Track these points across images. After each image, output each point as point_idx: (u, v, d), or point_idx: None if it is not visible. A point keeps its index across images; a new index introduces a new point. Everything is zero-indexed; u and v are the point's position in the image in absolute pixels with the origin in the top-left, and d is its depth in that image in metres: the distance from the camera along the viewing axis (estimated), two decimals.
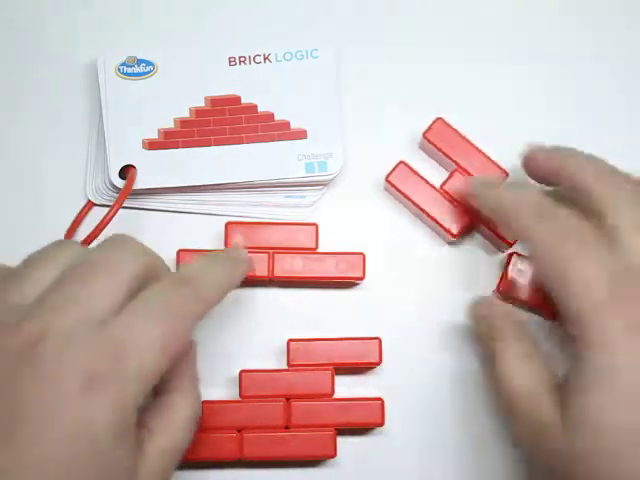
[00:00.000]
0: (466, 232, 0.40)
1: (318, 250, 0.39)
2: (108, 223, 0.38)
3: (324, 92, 0.41)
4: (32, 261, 0.31)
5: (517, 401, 0.33)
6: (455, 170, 0.40)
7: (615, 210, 0.32)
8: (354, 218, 0.41)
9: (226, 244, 0.39)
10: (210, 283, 0.32)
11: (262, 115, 0.41)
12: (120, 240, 0.31)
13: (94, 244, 0.38)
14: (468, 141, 0.40)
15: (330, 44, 0.41)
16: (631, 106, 0.42)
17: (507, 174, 0.40)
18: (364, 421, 0.38)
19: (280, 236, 0.39)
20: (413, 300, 0.40)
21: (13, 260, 0.40)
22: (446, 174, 0.40)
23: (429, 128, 0.40)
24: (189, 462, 0.37)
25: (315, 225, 0.40)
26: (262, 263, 0.39)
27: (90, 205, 0.41)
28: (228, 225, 0.39)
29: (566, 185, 0.34)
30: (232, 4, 0.43)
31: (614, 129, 0.42)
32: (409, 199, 0.39)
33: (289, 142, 0.41)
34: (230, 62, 0.41)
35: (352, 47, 0.42)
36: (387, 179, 0.39)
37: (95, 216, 0.40)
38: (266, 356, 0.40)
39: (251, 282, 0.40)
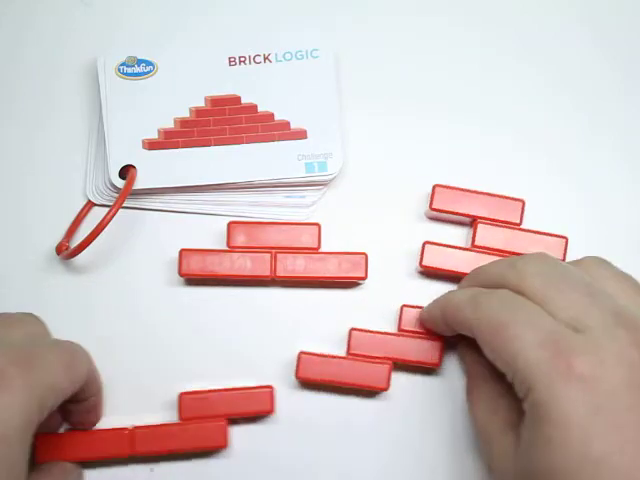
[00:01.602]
0: None
1: (321, 250, 0.39)
2: (108, 223, 0.38)
3: (324, 92, 0.41)
4: None
5: (481, 438, 0.35)
6: (476, 222, 0.39)
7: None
8: (354, 218, 0.41)
9: (228, 243, 0.39)
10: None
11: (262, 115, 0.41)
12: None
13: (93, 246, 0.38)
14: (472, 191, 0.39)
15: (330, 44, 0.41)
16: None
17: (524, 202, 0.39)
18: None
19: (282, 236, 0.39)
20: (415, 300, 0.40)
21: (12, 260, 0.40)
22: (462, 229, 0.41)
23: (433, 199, 0.39)
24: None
25: (318, 225, 0.40)
26: (264, 263, 0.39)
27: (90, 205, 0.41)
28: (231, 225, 0.39)
29: (459, 329, 0.36)
30: (232, 4, 0.43)
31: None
32: (451, 272, 0.39)
33: (289, 142, 0.41)
34: (230, 62, 0.41)
35: (352, 47, 0.42)
36: (421, 264, 0.39)
37: (95, 216, 0.40)
38: (269, 356, 0.40)
39: (253, 282, 0.40)
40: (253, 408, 0.38)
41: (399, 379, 0.39)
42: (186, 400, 0.38)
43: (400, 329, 0.39)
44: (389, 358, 0.38)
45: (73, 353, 0.35)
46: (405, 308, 0.39)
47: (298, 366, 0.38)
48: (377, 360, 0.38)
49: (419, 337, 0.39)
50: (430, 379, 0.40)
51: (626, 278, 0.34)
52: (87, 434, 0.38)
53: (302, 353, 0.38)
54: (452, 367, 0.40)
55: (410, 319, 0.39)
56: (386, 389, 0.38)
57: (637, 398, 0.29)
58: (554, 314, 0.32)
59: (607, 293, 0.33)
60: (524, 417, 0.31)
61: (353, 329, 0.39)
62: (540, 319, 0.31)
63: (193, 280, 0.40)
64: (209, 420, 0.38)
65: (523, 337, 0.31)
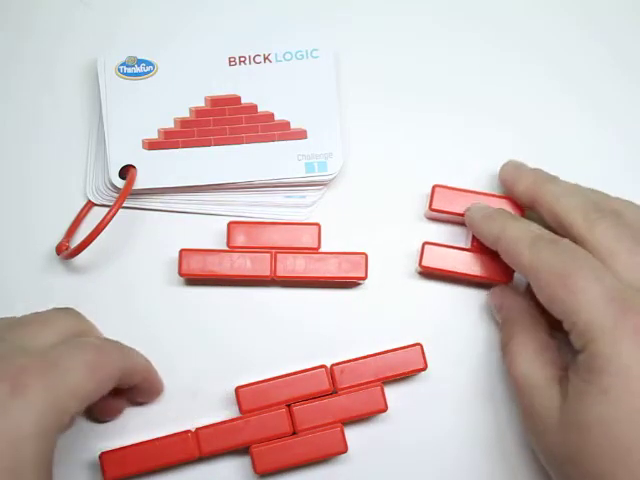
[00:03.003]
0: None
1: (321, 250, 0.39)
2: (108, 223, 0.38)
3: (324, 92, 0.41)
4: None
5: (522, 391, 0.35)
6: None
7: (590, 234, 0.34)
8: (354, 218, 0.41)
9: (228, 243, 0.39)
10: (133, 354, 0.37)
11: (262, 115, 0.41)
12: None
13: (93, 245, 0.38)
14: (472, 192, 0.39)
15: (330, 44, 0.41)
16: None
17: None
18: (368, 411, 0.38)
19: (283, 236, 0.39)
20: (415, 299, 0.40)
21: (12, 260, 0.40)
22: (462, 229, 0.41)
23: (432, 199, 0.39)
24: None
25: (318, 225, 0.40)
26: (264, 263, 0.39)
27: (90, 205, 0.41)
28: (231, 225, 0.40)
29: (545, 214, 0.36)
30: (232, 4, 0.43)
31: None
32: (450, 272, 0.39)
33: (289, 142, 0.41)
34: (230, 62, 0.41)
35: (352, 47, 0.42)
36: (421, 264, 0.39)
37: (95, 216, 0.40)
38: (269, 357, 0.40)
39: (253, 282, 0.40)
40: (311, 390, 0.38)
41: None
42: (244, 393, 0.38)
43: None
44: (379, 379, 0.38)
45: (100, 353, 0.34)
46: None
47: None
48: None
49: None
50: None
51: None
52: (150, 444, 0.37)
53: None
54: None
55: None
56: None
57: None
58: (618, 273, 0.33)
59: None
60: (576, 368, 0.32)
61: (334, 364, 0.38)
62: (605, 275, 0.32)
63: (193, 280, 0.40)
64: (270, 409, 0.38)
65: (589, 290, 0.32)
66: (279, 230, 0.40)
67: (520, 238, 0.35)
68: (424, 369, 0.38)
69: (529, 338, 0.36)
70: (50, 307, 0.38)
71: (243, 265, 0.39)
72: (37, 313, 0.35)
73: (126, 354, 0.36)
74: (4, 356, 0.31)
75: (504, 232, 0.36)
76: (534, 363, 0.35)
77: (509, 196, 0.39)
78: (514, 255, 0.35)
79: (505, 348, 0.37)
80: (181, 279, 0.40)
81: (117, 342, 0.36)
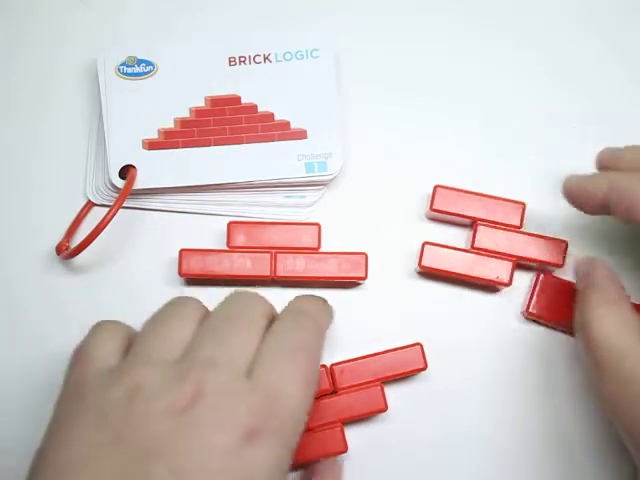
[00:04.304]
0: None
1: (321, 250, 0.39)
2: (108, 223, 0.38)
3: (324, 92, 0.41)
4: (164, 320, 0.32)
5: (601, 353, 0.33)
6: (476, 224, 0.39)
7: None
8: (354, 218, 0.41)
9: (228, 243, 0.39)
10: (322, 313, 0.34)
11: (262, 115, 0.41)
12: (240, 295, 0.33)
13: (93, 245, 0.38)
14: (473, 193, 0.39)
15: (330, 44, 0.41)
16: None
17: (525, 205, 0.39)
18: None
19: (282, 236, 0.39)
20: (415, 299, 0.40)
21: (12, 260, 0.40)
22: (462, 230, 0.41)
23: (433, 200, 0.39)
24: None
25: (318, 225, 0.40)
26: (264, 263, 0.39)
27: (90, 205, 0.41)
28: (231, 225, 0.40)
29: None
30: (232, 4, 0.43)
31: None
32: (450, 272, 0.39)
33: (289, 142, 0.41)
34: (230, 62, 0.41)
35: (352, 47, 0.42)
36: (421, 265, 0.39)
37: (95, 216, 0.40)
38: None
39: (253, 282, 0.40)
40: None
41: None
42: None
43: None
44: (378, 379, 0.38)
45: (309, 359, 0.31)
46: None
47: None
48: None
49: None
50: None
51: None
52: None
53: None
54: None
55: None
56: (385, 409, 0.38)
57: None
58: None
59: None
60: None
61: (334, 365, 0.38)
62: None
63: (193, 280, 0.40)
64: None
65: None
66: (279, 230, 0.40)
67: (635, 187, 0.33)
68: (424, 369, 0.38)
69: (616, 307, 0.34)
70: (50, 307, 0.38)
71: (243, 265, 0.39)
72: (168, 309, 0.33)
73: (322, 334, 0.33)
74: (227, 399, 0.28)
75: (615, 183, 0.34)
76: (622, 327, 0.33)
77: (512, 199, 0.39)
78: (633, 203, 0.33)
79: (588, 313, 0.34)
80: (181, 279, 0.40)
81: (311, 319, 0.33)
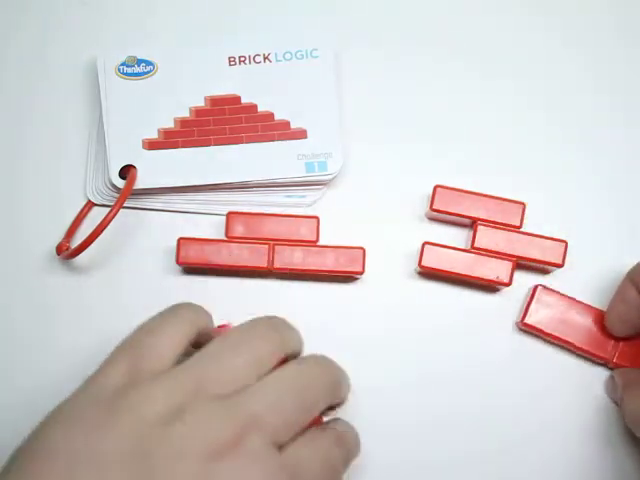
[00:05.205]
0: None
1: (319, 243, 0.40)
2: (109, 223, 0.38)
3: (324, 92, 0.41)
4: (154, 328, 0.33)
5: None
6: (476, 224, 0.39)
7: None
8: (354, 218, 0.41)
9: (227, 233, 0.39)
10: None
11: (262, 115, 0.41)
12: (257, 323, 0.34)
13: (93, 245, 0.38)
14: (473, 193, 0.39)
15: (330, 44, 0.41)
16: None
17: (525, 205, 0.39)
18: None
19: (281, 228, 0.39)
20: (415, 299, 0.40)
21: (13, 260, 0.40)
22: (462, 230, 0.41)
23: (433, 200, 0.39)
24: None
25: (316, 218, 0.40)
26: (262, 254, 0.39)
27: (90, 205, 0.41)
28: (230, 215, 0.40)
29: None
30: (232, 4, 0.43)
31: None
32: (450, 272, 0.39)
33: (289, 142, 0.41)
34: (230, 62, 0.41)
35: (352, 47, 0.42)
36: (421, 265, 0.39)
37: (95, 216, 0.40)
38: None
39: (250, 273, 0.40)
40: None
41: None
42: None
43: None
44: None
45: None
46: None
47: None
48: None
49: None
50: None
51: None
52: None
53: None
54: None
55: None
56: None
57: None
58: None
59: None
60: None
61: None
62: None
63: (190, 269, 0.40)
64: None
65: None
66: (278, 222, 0.40)
67: None
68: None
69: None
70: (50, 307, 0.38)
71: (241, 255, 0.39)
72: (168, 314, 0.33)
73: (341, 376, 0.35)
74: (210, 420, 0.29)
75: None
76: None
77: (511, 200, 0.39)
78: None
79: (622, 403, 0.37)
80: (182, 279, 0.40)
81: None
